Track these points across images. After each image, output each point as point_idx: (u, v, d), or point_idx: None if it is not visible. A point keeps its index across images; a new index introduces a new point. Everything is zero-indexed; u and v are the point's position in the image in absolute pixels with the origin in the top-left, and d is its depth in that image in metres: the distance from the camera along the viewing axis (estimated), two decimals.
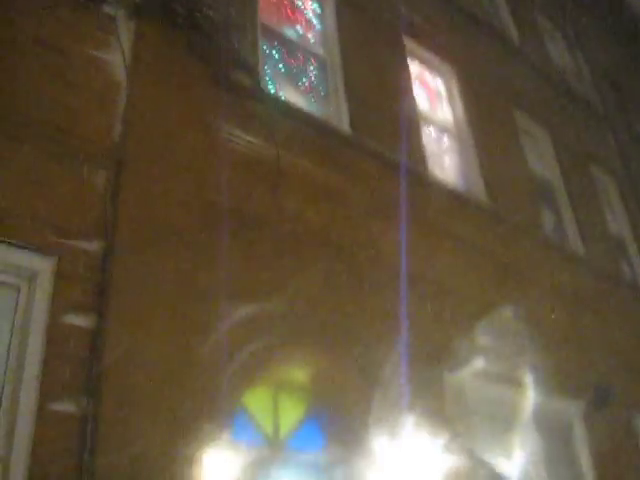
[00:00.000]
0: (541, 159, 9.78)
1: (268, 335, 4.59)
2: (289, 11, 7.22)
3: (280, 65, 6.69)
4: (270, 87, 6.33)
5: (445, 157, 8.02)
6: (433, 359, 5.62)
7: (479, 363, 6.02)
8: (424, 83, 8.46)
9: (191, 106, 5.06)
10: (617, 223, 10.80)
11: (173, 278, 4.23)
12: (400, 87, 7.55)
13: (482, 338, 6.33)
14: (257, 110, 5.59)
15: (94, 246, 3.89)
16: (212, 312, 4.37)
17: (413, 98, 7.65)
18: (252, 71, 5.77)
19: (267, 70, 6.45)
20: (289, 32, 7.01)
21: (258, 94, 5.70)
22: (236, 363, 4.40)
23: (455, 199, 7.25)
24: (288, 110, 5.93)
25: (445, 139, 8.21)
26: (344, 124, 6.53)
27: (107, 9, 5.00)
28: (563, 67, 12.21)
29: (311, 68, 7.00)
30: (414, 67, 8.34)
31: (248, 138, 5.30)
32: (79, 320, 3.61)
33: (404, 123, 7.13)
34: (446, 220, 6.83)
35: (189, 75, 5.24)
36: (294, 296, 4.85)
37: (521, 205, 8.20)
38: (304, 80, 6.84)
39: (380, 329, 5.30)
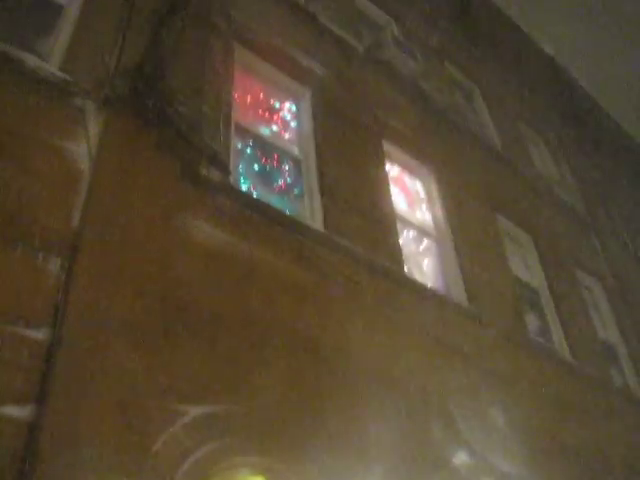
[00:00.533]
0: (525, 264, 9.84)
1: (228, 435, 4.45)
2: (265, 111, 7.46)
3: (254, 164, 6.82)
4: (242, 184, 6.44)
5: (424, 259, 8.07)
6: (407, 459, 5.43)
7: (461, 468, 5.82)
8: (402, 185, 8.62)
9: (155, 198, 5.12)
10: (606, 328, 10.78)
11: (125, 373, 4.13)
12: (377, 188, 7.69)
13: (463, 444, 6.15)
14: (225, 206, 5.66)
15: (41, 334, 3.82)
16: (167, 411, 4.24)
17: (390, 199, 7.76)
18: (222, 167, 5.88)
19: (240, 168, 6.59)
20: (264, 131, 7.21)
21: (227, 190, 5.79)
22: (191, 465, 4.24)
23: (433, 301, 7.23)
24: (258, 206, 6.01)
25: (424, 241, 8.27)
26: (317, 223, 6.61)
27: (76, 101, 5.15)
28: (548, 174, 12.52)
29: (286, 167, 7.15)
30: (392, 169, 8.52)
31: (214, 233, 5.34)
32: (17, 411, 3.49)
33: (380, 224, 7.22)
34: (423, 321, 6.80)
35: (156, 168, 5.34)
36: (256, 394, 4.73)
37: (504, 309, 8.18)
38: (278, 179, 6.97)
39: (347, 428, 5.14)
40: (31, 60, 5.08)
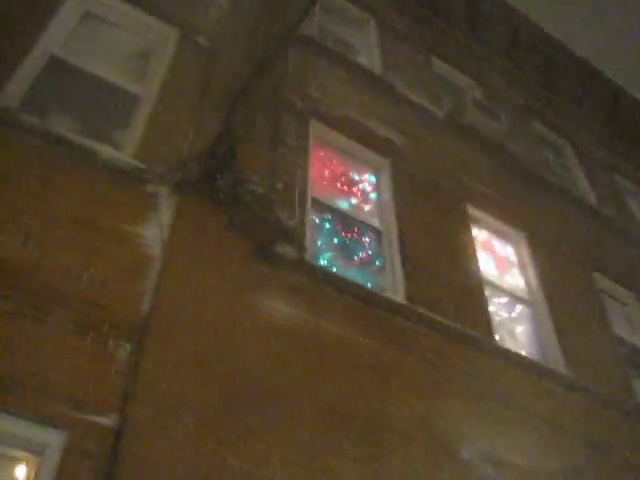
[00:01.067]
0: (631, 324, 9.27)
1: None
2: (344, 184, 7.45)
3: (333, 238, 6.78)
4: (321, 260, 6.39)
5: (517, 326, 7.73)
6: None
7: None
8: (491, 250, 8.36)
9: (226, 279, 5.14)
10: None
11: (194, 458, 4.05)
12: (462, 255, 7.49)
13: None
14: (301, 283, 5.62)
15: (109, 421, 3.81)
16: None
17: (477, 266, 7.51)
18: (297, 243, 5.86)
19: (319, 243, 6.56)
20: (343, 205, 7.19)
21: (303, 266, 5.75)
22: None
23: (529, 370, 6.86)
24: (336, 281, 5.93)
25: (517, 307, 7.94)
26: (399, 295, 6.45)
27: (149, 187, 5.28)
28: None
29: (366, 240, 7.07)
30: (479, 234, 8.30)
31: (289, 311, 5.28)
32: None
33: (467, 292, 7.01)
34: (519, 394, 6.44)
35: (228, 248, 5.37)
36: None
37: (607, 374, 7.67)
38: (359, 252, 6.89)
39: None
40: (106, 151, 5.28)
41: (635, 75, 17.89)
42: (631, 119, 13.91)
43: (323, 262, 6.38)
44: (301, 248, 5.87)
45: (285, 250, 5.71)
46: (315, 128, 7.41)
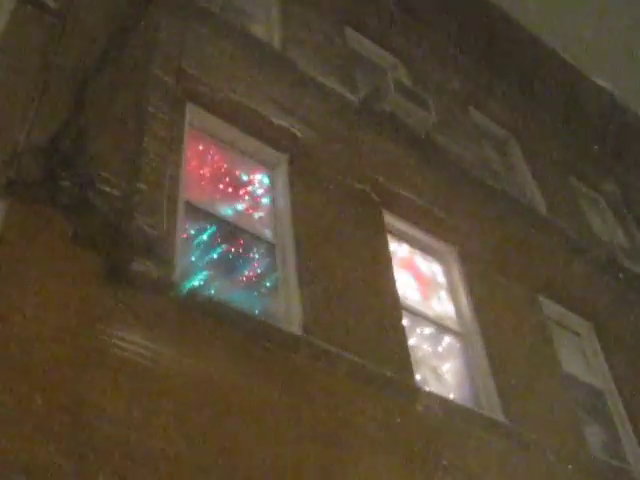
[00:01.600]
0: (584, 360, 9.67)
1: None
2: (228, 186, 7.49)
3: (212, 253, 6.81)
4: (193, 280, 6.40)
5: (443, 363, 7.99)
6: None
7: None
8: (413, 269, 8.58)
9: (69, 305, 5.08)
10: None
11: None
12: (376, 275, 7.69)
13: None
14: (168, 310, 5.62)
15: None
16: None
17: (394, 288, 7.71)
18: (163, 260, 5.84)
19: (192, 259, 6.57)
20: (225, 211, 7.26)
21: (170, 289, 5.74)
22: None
23: (457, 418, 7.08)
24: (214, 307, 5.97)
25: (444, 340, 8.18)
26: (294, 324, 6.54)
27: None
28: (611, 240, 12.43)
29: (255, 255, 7.14)
30: (399, 249, 8.52)
31: (148, 345, 5.26)
32: None
33: (380, 321, 7.16)
34: (444, 447, 6.65)
35: (72, 267, 5.31)
36: None
37: (556, 422, 7.99)
38: (245, 270, 6.94)
39: None
40: None
41: (598, 59, 18.57)
42: (591, 110, 14.42)
43: (197, 283, 6.40)
44: (168, 266, 5.87)
45: (147, 269, 5.69)
46: (192, 114, 7.44)
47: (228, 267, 6.87)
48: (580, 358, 9.70)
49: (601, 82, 14.92)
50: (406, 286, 8.17)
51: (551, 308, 9.63)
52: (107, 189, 5.84)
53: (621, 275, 11.53)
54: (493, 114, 12.55)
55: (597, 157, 14.35)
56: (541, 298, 9.52)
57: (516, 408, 7.68)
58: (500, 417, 7.50)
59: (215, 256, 6.82)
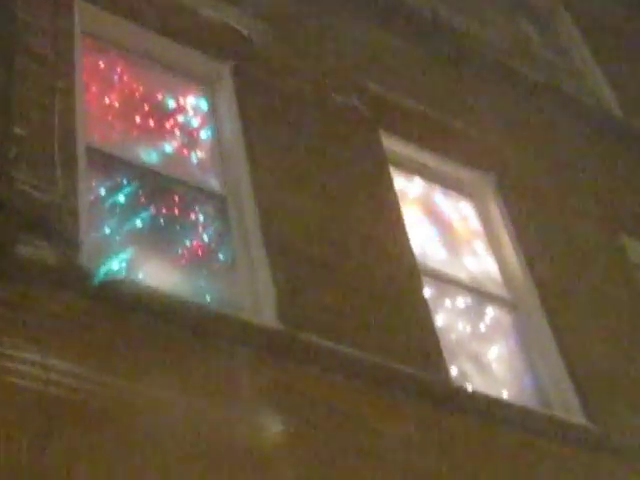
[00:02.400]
0: None
1: None
2: (148, 117, 7.38)
3: (134, 218, 6.72)
4: (109, 262, 6.31)
5: (489, 347, 8.04)
6: None
7: None
8: (433, 212, 8.55)
9: None
10: None
11: None
12: (379, 226, 7.64)
13: None
14: (70, 307, 5.52)
15: None
16: None
17: (407, 243, 7.64)
18: (59, 237, 5.76)
19: (106, 231, 6.49)
20: (148, 155, 7.16)
21: (73, 278, 5.66)
22: None
23: (518, 423, 7.08)
24: (140, 299, 5.86)
25: (487, 312, 8.17)
26: (266, 312, 6.49)
27: None
28: None
29: (199, 217, 7.06)
30: (409, 185, 8.54)
31: (38, 360, 5.16)
32: None
33: (388, 295, 7.15)
34: (504, 463, 6.70)
35: None
36: None
37: None
38: (186, 241, 6.87)
39: None
40: None
41: None
42: None
43: (115, 267, 6.30)
44: (70, 244, 5.79)
45: (39, 251, 5.62)
46: (84, 16, 7.31)
47: (160, 238, 6.77)
48: None
49: None
50: (424, 240, 8.14)
51: None
52: None
53: None
54: None
55: None
56: (626, 240, 9.44)
57: (603, 405, 7.68)
58: (581, 420, 7.49)
59: (139, 224, 6.72)
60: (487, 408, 6.97)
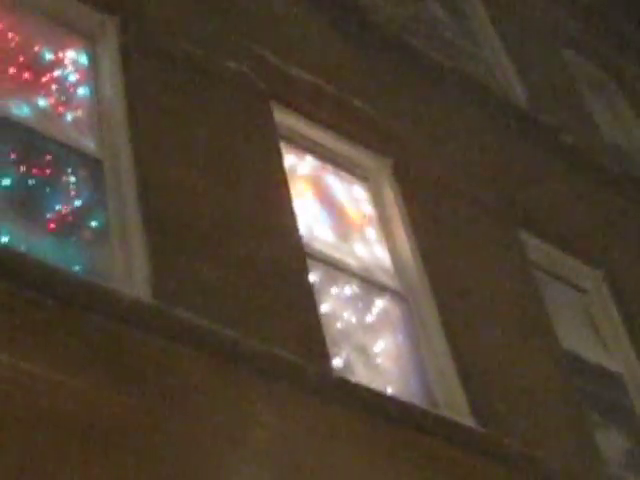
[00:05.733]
0: (591, 328, 9.89)
1: None
2: (23, 70, 7.28)
3: (3, 179, 6.62)
4: None
5: (375, 339, 8.07)
6: None
7: None
8: (324, 194, 8.60)
9: None
10: None
11: None
12: (265, 204, 7.64)
13: None
14: None
15: None
16: None
17: (295, 224, 7.67)
18: None
19: None
20: (15, 110, 7.06)
21: None
22: None
23: (402, 421, 7.10)
24: (5, 265, 5.77)
25: (376, 303, 8.23)
26: (137, 285, 6.47)
27: None
28: (625, 146, 12.67)
29: (71, 179, 6.97)
30: (300, 162, 8.61)
31: None
32: None
33: (271, 275, 7.17)
34: (385, 462, 6.70)
35: None
36: None
37: (549, 425, 8.12)
38: (55, 205, 6.78)
39: None
40: None
41: None
42: None
43: None
44: None
45: None
46: None
47: (28, 200, 6.68)
48: (587, 327, 9.80)
49: None
50: (313, 222, 8.17)
51: (540, 250, 9.75)
52: None
53: None
54: None
55: (603, 18, 14.52)
56: (524, 235, 9.65)
57: (491, 406, 7.77)
58: (468, 421, 7.58)
59: (6, 183, 6.61)
60: (370, 402, 6.98)
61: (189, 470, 5.66)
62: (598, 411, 9.12)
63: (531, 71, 12.27)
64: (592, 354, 9.70)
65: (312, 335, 7.15)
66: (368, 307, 8.19)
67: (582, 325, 9.93)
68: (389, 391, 7.58)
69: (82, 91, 7.55)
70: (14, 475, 4.95)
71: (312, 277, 7.61)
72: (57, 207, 6.78)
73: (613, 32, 14.65)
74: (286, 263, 7.38)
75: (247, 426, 6.18)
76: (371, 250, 8.58)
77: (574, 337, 9.55)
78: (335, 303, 7.95)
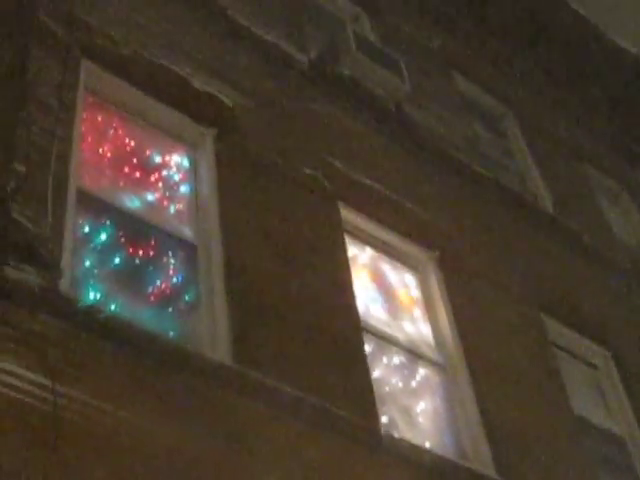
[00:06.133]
0: (601, 398, 9.76)
1: None
2: (135, 170, 7.39)
3: (114, 256, 6.73)
4: (89, 292, 6.32)
5: (417, 402, 8.05)
6: None
7: None
8: (379, 279, 8.59)
9: None
10: None
11: None
12: (330, 286, 7.64)
13: None
14: (51, 330, 5.50)
15: None
16: None
17: (354, 303, 7.69)
18: (47, 264, 5.75)
19: (87, 264, 6.50)
20: (132, 202, 7.17)
21: (55, 303, 5.64)
22: None
23: (437, 472, 7.07)
24: (114, 328, 5.84)
25: (419, 371, 8.19)
26: (220, 350, 6.49)
27: None
28: (636, 246, 12.62)
29: (170, 260, 7.07)
30: (360, 253, 8.61)
31: (25, 375, 5.15)
32: None
33: (333, 346, 7.17)
34: None
35: None
36: None
37: (562, 476, 8.02)
38: (157, 281, 6.88)
39: None
40: None
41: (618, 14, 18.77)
42: (613, 78, 14.57)
43: (92, 296, 6.32)
44: (54, 272, 5.77)
45: (26, 276, 5.59)
46: (89, 74, 7.35)
47: (134, 276, 6.80)
48: (596, 397, 9.72)
49: (624, 43, 15.02)
50: (369, 302, 8.22)
51: (558, 332, 9.75)
52: None
53: None
54: (484, 81, 12.59)
55: (618, 139, 14.44)
56: (545, 319, 9.65)
57: (513, 461, 7.72)
58: (492, 473, 7.52)
59: (117, 261, 6.73)
60: (410, 453, 6.97)
61: None
62: (604, 469, 8.98)
63: (557, 182, 12.20)
64: (600, 419, 9.57)
65: (364, 396, 7.15)
66: (412, 374, 8.19)
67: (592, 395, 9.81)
68: (427, 445, 7.53)
69: (183, 189, 7.67)
70: None
71: (367, 348, 7.65)
72: (157, 283, 6.86)
73: (626, 150, 14.56)
74: (346, 335, 7.41)
75: (305, 471, 6.16)
76: (417, 327, 8.59)
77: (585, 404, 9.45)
78: (385, 370, 7.96)
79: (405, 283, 8.92)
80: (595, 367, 10.06)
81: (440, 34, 12.37)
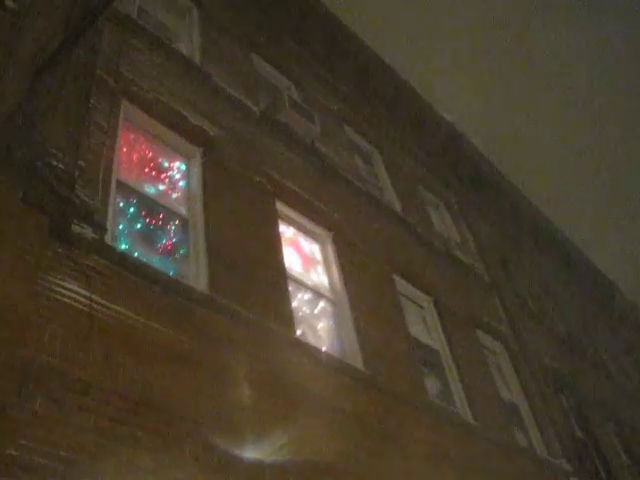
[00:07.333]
0: (425, 325, 9.86)
1: None
2: (152, 170, 7.27)
3: (137, 223, 6.59)
4: (121, 244, 6.19)
5: (319, 322, 7.96)
6: None
7: None
8: (297, 247, 8.53)
9: (19, 258, 4.79)
10: (508, 389, 10.83)
11: None
12: (268, 249, 7.58)
13: None
14: (99, 266, 5.38)
15: None
16: None
17: (282, 260, 7.65)
18: (98, 225, 5.60)
19: (121, 227, 6.36)
20: (149, 190, 7.02)
21: (102, 249, 5.51)
22: None
23: (327, 365, 7.06)
24: (136, 267, 5.74)
25: (320, 304, 8.15)
26: (201, 284, 6.39)
27: None
28: (448, 237, 12.75)
29: (172, 227, 6.95)
30: (286, 231, 8.45)
31: (83, 293, 5.04)
32: None
33: (271, 285, 7.10)
34: (316, 387, 6.59)
35: (21, 225, 5.01)
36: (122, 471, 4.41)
37: (402, 372, 8.12)
38: (163, 239, 6.76)
39: None
40: None
41: (442, 92, 19.08)
42: (437, 135, 14.80)
43: (124, 246, 6.20)
44: (101, 230, 5.62)
45: (83, 231, 5.45)
46: (126, 109, 7.18)
47: (149, 236, 6.67)
48: (422, 325, 9.83)
49: (445, 114, 15.28)
50: (291, 260, 8.11)
51: (403, 285, 9.78)
52: (54, 163, 5.56)
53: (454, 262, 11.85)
54: (362, 131, 12.66)
55: (440, 172, 14.68)
56: (395, 277, 9.64)
57: (373, 360, 7.75)
58: (360, 366, 7.54)
59: (139, 226, 6.61)
60: (315, 353, 6.91)
61: None
62: (426, 371, 9.04)
63: (404, 194, 12.25)
64: (426, 339, 9.66)
65: (286, 316, 7.14)
66: (316, 305, 8.19)
67: (421, 324, 9.88)
68: (323, 349, 7.50)
69: (181, 183, 7.51)
70: None
71: (290, 287, 7.60)
72: (164, 241, 6.87)
73: (442, 179, 14.73)
74: (277, 280, 7.36)
75: (264, 367, 6.07)
76: (319, 277, 8.58)
77: (416, 329, 9.47)
78: (299, 302, 7.90)
79: (313, 251, 8.86)
80: (422, 307, 10.13)
81: (337, 100, 12.37)
